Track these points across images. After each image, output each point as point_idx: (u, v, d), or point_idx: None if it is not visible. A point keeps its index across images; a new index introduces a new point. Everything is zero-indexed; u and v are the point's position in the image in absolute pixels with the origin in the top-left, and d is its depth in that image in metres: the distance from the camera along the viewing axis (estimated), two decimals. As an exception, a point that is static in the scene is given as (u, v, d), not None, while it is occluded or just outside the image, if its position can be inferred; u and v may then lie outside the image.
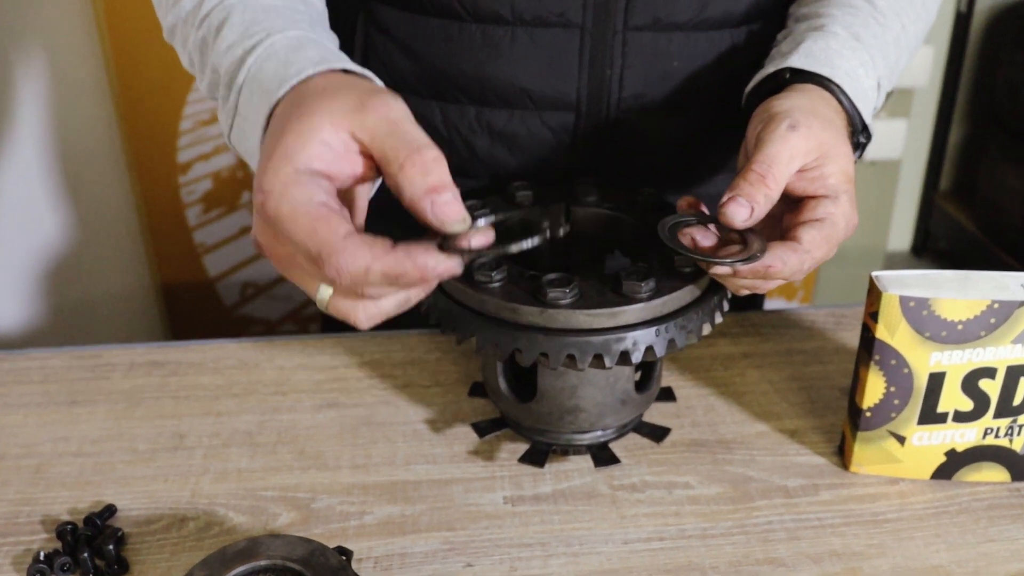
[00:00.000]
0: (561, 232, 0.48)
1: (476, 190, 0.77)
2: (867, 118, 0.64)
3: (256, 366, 0.76)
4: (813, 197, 0.58)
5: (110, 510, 0.60)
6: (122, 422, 0.70)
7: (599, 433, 0.65)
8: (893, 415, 0.62)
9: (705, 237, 0.57)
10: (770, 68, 0.65)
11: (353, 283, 0.45)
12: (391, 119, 0.47)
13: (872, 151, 2.08)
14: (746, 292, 0.59)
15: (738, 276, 0.56)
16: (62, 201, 1.56)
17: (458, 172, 0.78)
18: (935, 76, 2.26)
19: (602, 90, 0.72)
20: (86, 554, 0.55)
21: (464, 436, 0.68)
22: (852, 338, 0.80)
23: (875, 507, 0.62)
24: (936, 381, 0.60)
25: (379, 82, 0.54)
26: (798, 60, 0.64)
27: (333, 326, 0.93)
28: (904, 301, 0.59)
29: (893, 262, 2.48)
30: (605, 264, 0.71)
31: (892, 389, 0.61)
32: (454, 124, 0.76)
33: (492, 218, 0.49)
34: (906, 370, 0.60)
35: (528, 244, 0.48)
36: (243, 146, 0.56)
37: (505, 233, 0.51)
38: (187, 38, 0.61)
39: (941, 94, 2.31)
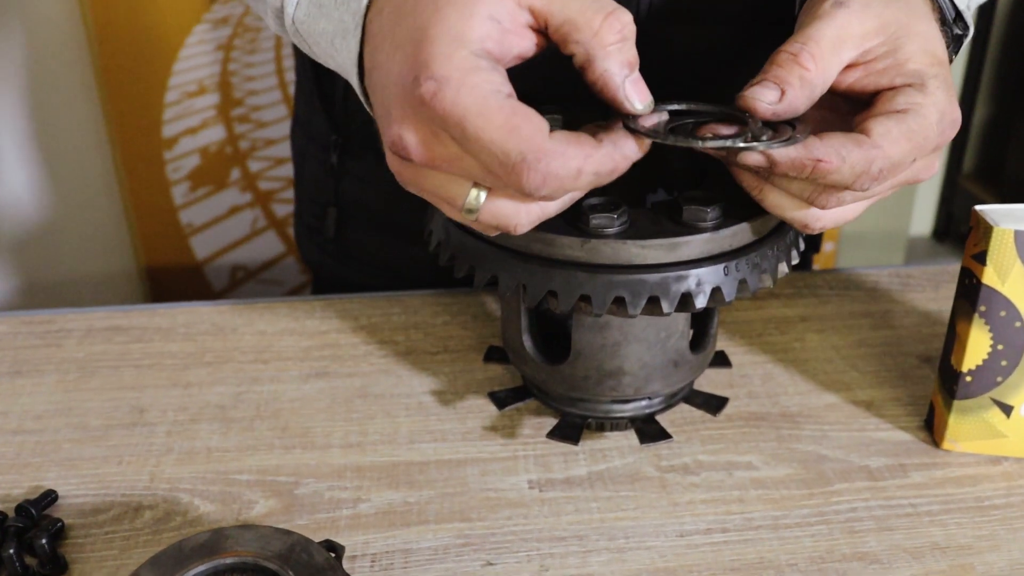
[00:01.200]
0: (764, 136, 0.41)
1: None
2: (959, 3, 0.52)
3: (234, 331, 0.65)
4: (891, 88, 0.45)
5: (49, 497, 0.50)
6: (72, 395, 0.59)
7: (644, 403, 0.54)
8: (999, 379, 0.52)
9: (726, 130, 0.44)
10: None
11: (558, 188, 0.38)
12: None
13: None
14: (815, 229, 0.47)
15: (776, 173, 0.43)
16: (38, 177, 1.52)
17: None
18: (960, 51, 2.16)
19: None
20: (12, 550, 0.45)
21: (479, 409, 0.58)
22: (924, 300, 0.70)
23: (978, 491, 0.52)
24: (1055, 337, 0.50)
25: None
26: None
27: (323, 289, 0.83)
28: (1020, 237, 0.48)
29: (915, 248, 2.37)
30: (647, 203, 0.60)
31: (999, 347, 0.51)
32: None
33: (667, 106, 0.43)
34: (1018, 323, 0.50)
35: (729, 143, 0.40)
36: (316, 26, 0.46)
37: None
38: None
39: (966, 70, 2.21)
